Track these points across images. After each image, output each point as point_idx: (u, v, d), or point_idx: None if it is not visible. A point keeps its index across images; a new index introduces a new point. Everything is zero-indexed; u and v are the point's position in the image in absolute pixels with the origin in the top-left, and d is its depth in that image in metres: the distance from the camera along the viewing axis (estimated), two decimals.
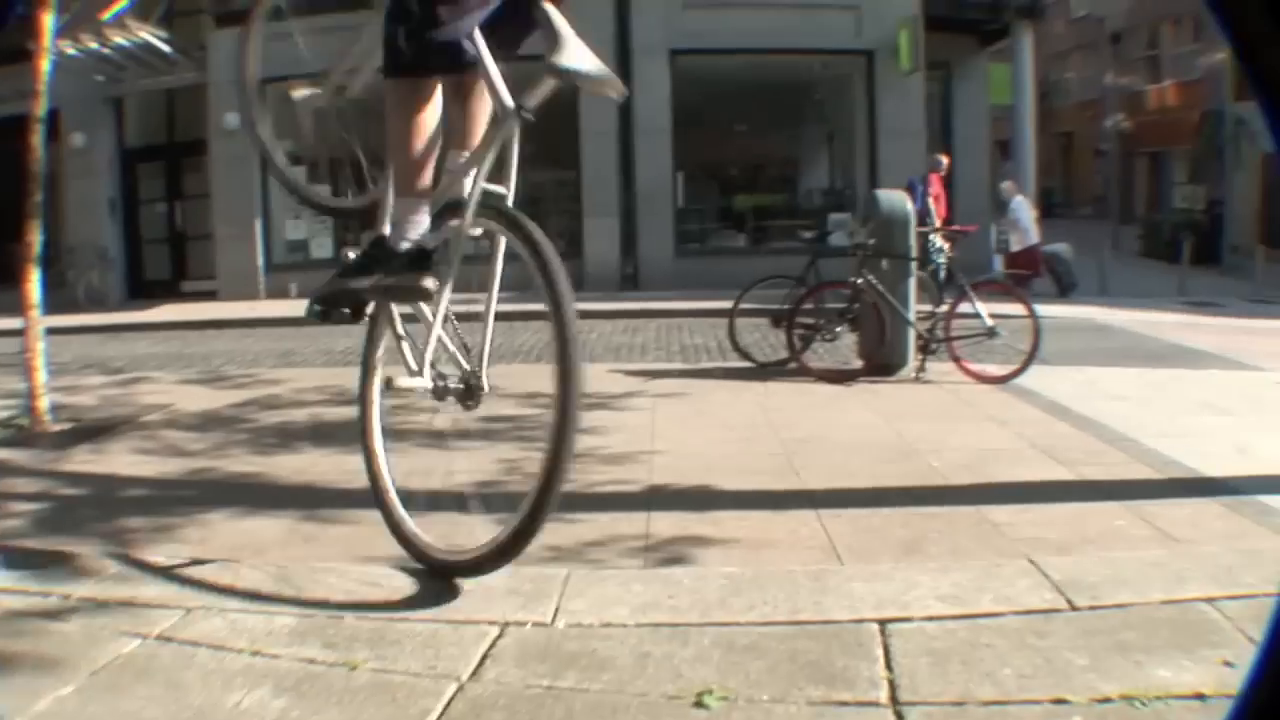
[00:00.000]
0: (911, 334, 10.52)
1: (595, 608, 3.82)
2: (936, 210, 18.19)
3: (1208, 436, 8.13)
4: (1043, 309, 11.18)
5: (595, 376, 10.51)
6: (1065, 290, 20.72)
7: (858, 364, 10.69)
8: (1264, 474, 7.11)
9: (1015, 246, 20.08)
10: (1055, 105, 49.05)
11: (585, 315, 14.10)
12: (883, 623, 3.62)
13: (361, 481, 4.87)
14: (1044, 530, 5.76)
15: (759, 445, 7.33)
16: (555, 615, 3.75)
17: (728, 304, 12.02)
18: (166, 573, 4.34)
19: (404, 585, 4.10)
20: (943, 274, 11.23)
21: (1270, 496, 6.52)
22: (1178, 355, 13.07)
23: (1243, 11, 1.31)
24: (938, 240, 17.82)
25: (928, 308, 10.82)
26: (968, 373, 10.19)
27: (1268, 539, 5.69)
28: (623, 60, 20.06)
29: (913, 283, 10.64)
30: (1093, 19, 38.78)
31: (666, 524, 5.40)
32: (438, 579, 4.09)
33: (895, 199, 10.87)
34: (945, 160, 19.54)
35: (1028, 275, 18.46)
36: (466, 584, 4.01)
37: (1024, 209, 20.03)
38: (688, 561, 5.00)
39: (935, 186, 18.55)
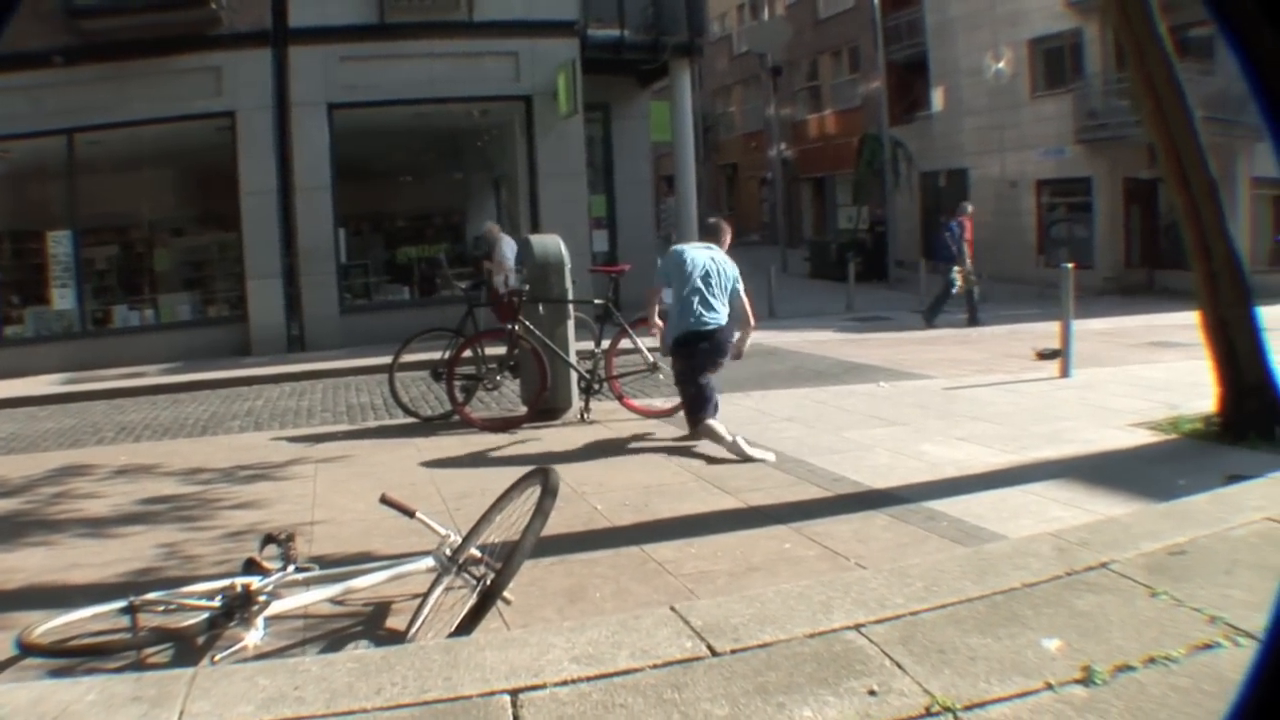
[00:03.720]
0: (574, 376, 10.33)
1: (220, 708, 3.49)
2: (969, 252, 19.56)
3: (876, 449, 8.31)
4: None
5: (258, 446, 10.15)
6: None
7: (522, 411, 10.44)
8: (930, 480, 7.29)
9: (503, 288, 19.11)
10: (720, 138, 50.57)
11: (251, 381, 13.42)
12: (514, 693, 3.41)
13: (16, 582, 4.49)
14: (709, 564, 5.66)
15: (420, 504, 7.01)
16: None
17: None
18: None
19: (23, 702, 3.62)
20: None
21: (937, 501, 6.66)
22: (846, 371, 13.40)
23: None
24: (955, 276, 19.24)
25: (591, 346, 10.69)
26: (633, 409, 10.11)
27: (932, 546, 5.72)
28: (280, 115, 19.41)
29: (571, 325, 10.46)
30: (754, 54, 40.01)
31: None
32: (64, 692, 3.67)
33: (549, 243, 10.65)
34: (970, 207, 20.95)
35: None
36: (90, 694, 3.61)
37: (511, 249, 19.08)
38: (343, 635, 4.93)
39: (968, 231, 19.74)
